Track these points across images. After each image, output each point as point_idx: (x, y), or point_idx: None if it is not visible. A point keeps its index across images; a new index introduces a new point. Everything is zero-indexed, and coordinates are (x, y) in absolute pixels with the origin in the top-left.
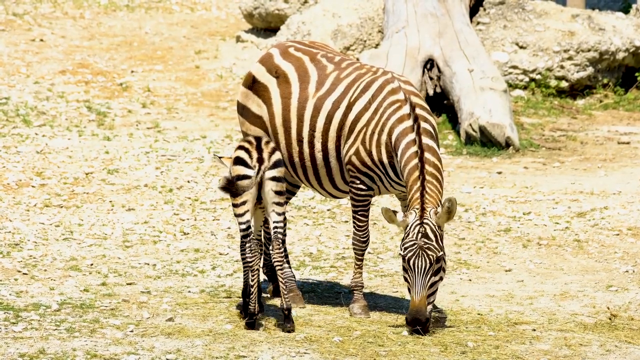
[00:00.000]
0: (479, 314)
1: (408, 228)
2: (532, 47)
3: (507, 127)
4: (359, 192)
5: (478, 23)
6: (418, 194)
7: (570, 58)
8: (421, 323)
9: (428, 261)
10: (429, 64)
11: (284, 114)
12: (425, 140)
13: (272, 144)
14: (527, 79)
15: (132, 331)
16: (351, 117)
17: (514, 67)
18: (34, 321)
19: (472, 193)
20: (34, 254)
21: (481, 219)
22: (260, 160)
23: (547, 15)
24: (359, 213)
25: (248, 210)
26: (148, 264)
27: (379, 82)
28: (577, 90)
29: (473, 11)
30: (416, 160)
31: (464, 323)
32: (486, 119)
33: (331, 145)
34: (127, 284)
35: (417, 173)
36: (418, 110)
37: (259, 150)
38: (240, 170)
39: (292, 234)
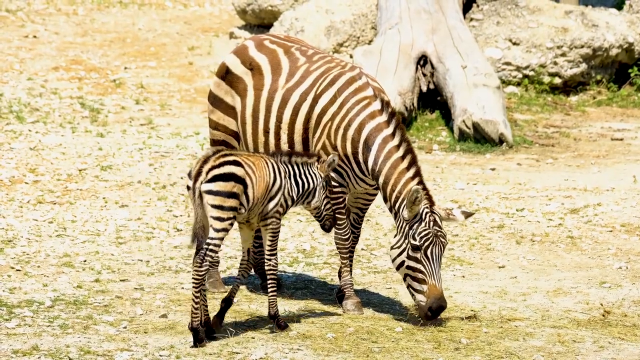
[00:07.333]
0: (472, 311)
1: (418, 217)
2: (526, 44)
3: (500, 123)
4: (332, 189)
5: (471, 19)
6: (413, 183)
7: (563, 54)
8: (443, 310)
9: (443, 248)
10: (422, 60)
11: (254, 105)
12: (406, 134)
13: (224, 157)
14: (520, 76)
15: (125, 327)
16: (317, 110)
17: (507, 64)
18: (27, 317)
19: (465, 189)
20: (27, 250)
21: (474, 216)
22: (198, 175)
23: (540, 12)
24: (337, 211)
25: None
26: (141, 261)
27: (345, 77)
28: (571, 86)
29: (466, 7)
30: (399, 153)
31: (457, 319)
32: (479, 116)
33: (297, 137)
34: (121, 280)
35: (403, 165)
36: (391, 108)
37: (202, 163)
38: (187, 181)
39: (285, 230)
